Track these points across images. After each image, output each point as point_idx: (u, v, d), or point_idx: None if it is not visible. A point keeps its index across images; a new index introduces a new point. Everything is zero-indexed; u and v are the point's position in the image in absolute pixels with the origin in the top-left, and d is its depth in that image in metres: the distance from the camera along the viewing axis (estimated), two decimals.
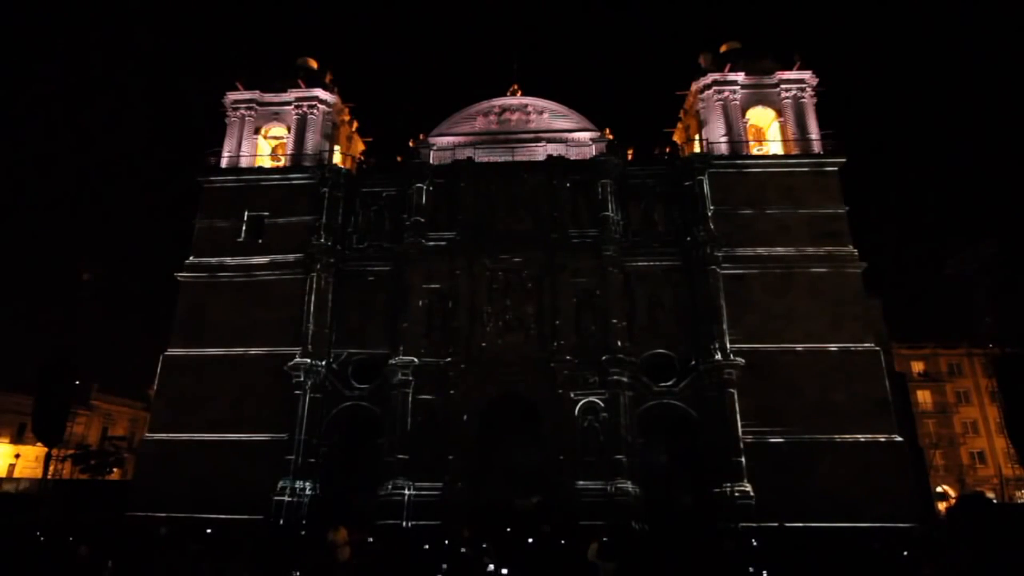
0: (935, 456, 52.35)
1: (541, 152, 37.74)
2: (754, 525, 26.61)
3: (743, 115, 38.08)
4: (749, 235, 34.20)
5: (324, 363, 33.30)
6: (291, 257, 35.47)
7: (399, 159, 38.29)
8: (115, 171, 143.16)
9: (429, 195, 36.29)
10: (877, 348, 32.55)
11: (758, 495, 28.97)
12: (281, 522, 29.06)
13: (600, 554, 14.25)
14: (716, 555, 16.20)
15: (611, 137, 37.72)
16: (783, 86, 37.93)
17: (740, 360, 31.24)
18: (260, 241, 36.40)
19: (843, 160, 35.65)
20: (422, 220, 35.50)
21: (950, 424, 59.39)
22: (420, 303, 33.99)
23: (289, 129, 39.81)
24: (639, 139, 59.42)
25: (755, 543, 19.53)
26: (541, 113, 39.77)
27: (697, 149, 37.06)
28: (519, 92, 41.03)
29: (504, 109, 40.04)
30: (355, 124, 43.42)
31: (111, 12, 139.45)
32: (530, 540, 18.11)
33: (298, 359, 32.57)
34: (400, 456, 30.97)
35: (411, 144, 38.32)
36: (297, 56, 41.96)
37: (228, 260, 36.10)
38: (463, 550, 14.98)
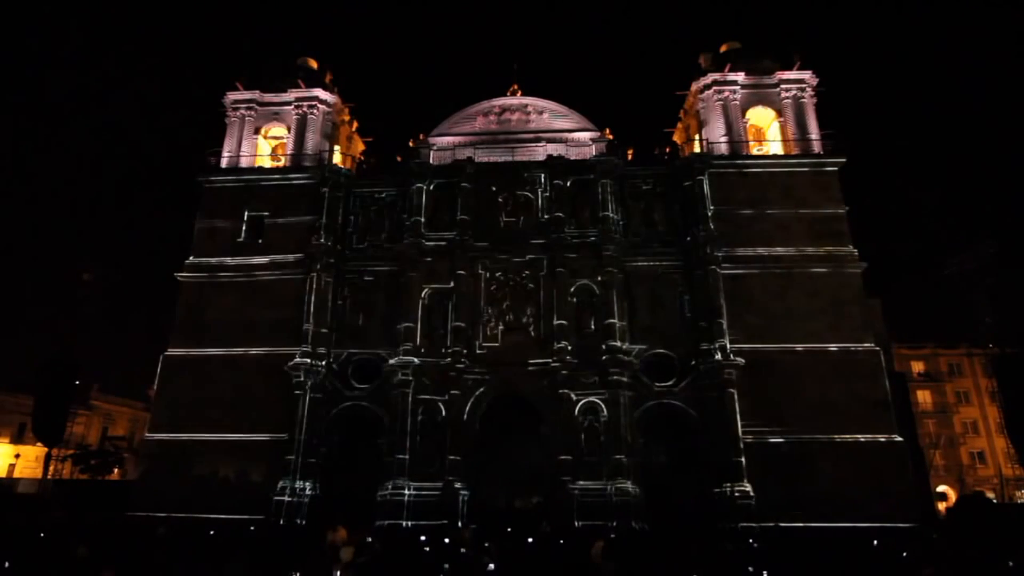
0: (935, 456, 52.31)
1: (541, 152, 37.73)
2: (754, 525, 26.64)
3: (743, 115, 38.08)
4: (749, 235, 34.20)
5: (324, 363, 33.29)
6: (291, 257, 35.48)
7: (399, 159, 38.30)
8: (115, 171, 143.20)
9: (429, 195, 36.29)
10: (877, 348, 32.54)
11: (758, 495, 28.97)
12: (281, 522, 29.09)
13: (604, 554, 14.21)
14: (716, 555, 16.19)
15: (611, 137, 37.73)
16: (783, 86, 37.93)
17: (740, 360, 31.23)
18: (260, 241, 36.41)
19: (843, 160, 35.65)
20: (422, 220, 35.50)
21: (950, 424, 59.34)
22: (420, 303, 33.97)
23: (289, 129, 39.81)
24: (639, 139, 59.32)
25: (753, 543, 19.52)
26: (541, 113, 39.76)
27: (697, 149, 37.06)
28: (519, 92, 41.00)
29: (504, 109, 40.03)
30: (355, 124, 43.43)
31: (111, 12, 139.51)
32: (530, 540, 18.12)
33: (298, 359, 32.56)
34: (400, 456, 30.97)
35: (411, 144, 38.33)
36: (297, 56, 41.96)
37: (228, 260, 36.10)
38: (463, 550, 14.97)
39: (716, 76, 38.08)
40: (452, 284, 34.15)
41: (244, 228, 36.67)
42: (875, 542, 19.63)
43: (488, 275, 34.62)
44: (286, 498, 30.31)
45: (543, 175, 36.17)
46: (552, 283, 33.81)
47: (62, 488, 36.44)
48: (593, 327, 33.05)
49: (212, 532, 21.33)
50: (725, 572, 14.50)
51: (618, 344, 32.16)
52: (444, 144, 38.74)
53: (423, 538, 18.91)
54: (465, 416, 32.02)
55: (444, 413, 31.93)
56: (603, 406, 31.51)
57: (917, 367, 61.28)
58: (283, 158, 40.52)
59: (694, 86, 39.34)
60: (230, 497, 29.88)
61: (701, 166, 35.20)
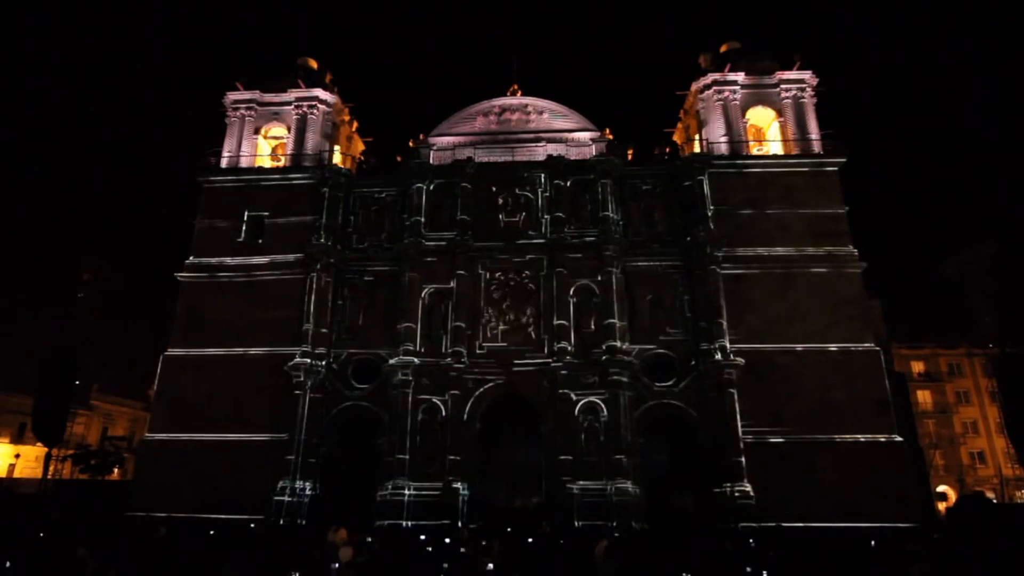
0: (935, 456, 52.32)
1: (541, 152, 37.74)
2: (754, 525, 26.63)
3: (743, 115, 38.09)
4: (749, 235, 34.20)
5: (324, 363, 33.31)
6: (291, 257, 35.48)
7: (399, 159, 38.29)
8: (115, 171, 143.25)
9: (429, 195, 36.31)
10: (877, 348, 32.56)
11: (758, 495, 28.97)
12: (281, 522, 29.09)
13: (606, 554, 14.20)
14: (716, 555, 16.19)
15: (611, 137, 37.75)
16: (783, 86, 37.94)
17: (740, 360, 31.24)
18: (260, 241, 36.43)
19: (843, 160, 35.66)
20: (422, 220, 35.52)
21: (950, 424, 59.33)
22: (420, 303, 33.99)
23: (289, 129, 39.83)
24: (639, 139, 59.29)
25: (753, 543, 19.53)
26: (541, 113, 39.77)
27: (697, 149, 37.07)
28: (519, 92, 41.01)
29: (504, 109, 40.04)
30: (355, 124, 43.45)
31: (111, 12, 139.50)
32: (530, 540, 18.13)
33: (298, 359, 32.57)
34: (400, 456, 30.97)
35: (411, 144, 38.34)
36: (297, 56, 41.96)
37: (228, 260, 36.11)
38: (463, 550, 14.99)
39: (716, 76, 38.10)
40: (452, 284, 34.16)
41: (244, 228, 36.68)
42: (872, 542, 19.64)
43: (488, 275, 34.64)
44: (286, 498, 30.32)
45: (543, 175, 36.19)
46: (552, 283, 33.82)
47: (62, 488, 36.41)
48: (593, 327, 33.06)
49: (212, 532, 21.35)
50: (725, 572, 14.50)
51: (618, 344, 32.17)
52: (444, 144, 38.74)
53: (423, 538, 18.92)
54: (465, 416, 32.03)
55: (444, 413, 31.93)
56: (603, 406, 31.52)
57: (917, 367, 61.29)
58: (283, 158, 40.53)
59: (694, 86, 39.35)
60: (230, 497, 29.86)
61: (701, 166, 35.21)
